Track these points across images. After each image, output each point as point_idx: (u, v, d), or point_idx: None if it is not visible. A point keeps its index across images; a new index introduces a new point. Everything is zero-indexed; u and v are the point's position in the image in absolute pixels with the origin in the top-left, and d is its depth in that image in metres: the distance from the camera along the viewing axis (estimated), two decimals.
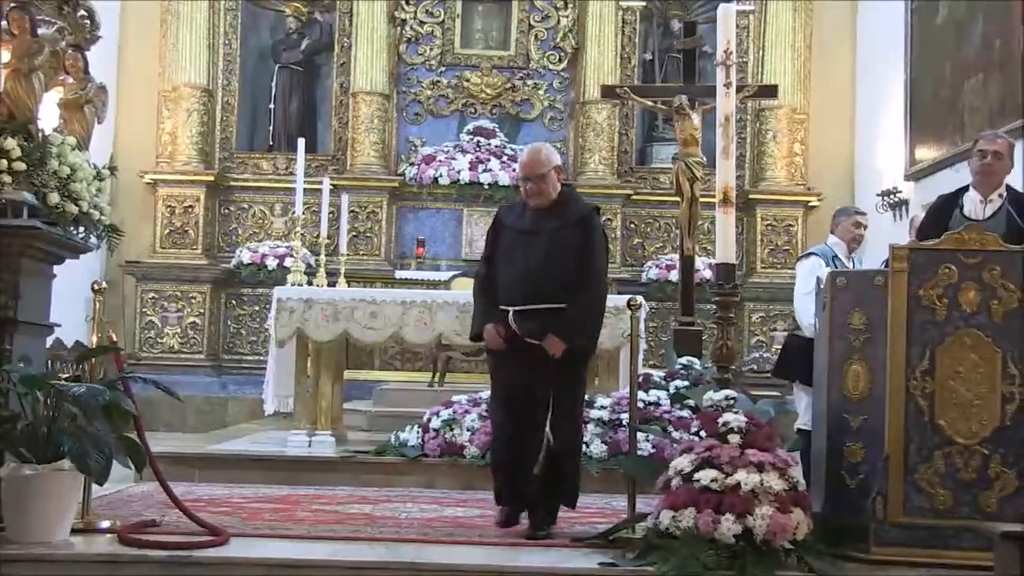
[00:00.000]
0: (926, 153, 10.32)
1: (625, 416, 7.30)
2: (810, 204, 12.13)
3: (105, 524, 5.41)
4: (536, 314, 5.37)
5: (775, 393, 7.60)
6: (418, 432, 7.80)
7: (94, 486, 5.42)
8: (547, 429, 5.31)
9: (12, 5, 5.95)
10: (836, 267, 6.61)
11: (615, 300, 8.59)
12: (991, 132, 6.26)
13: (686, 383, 7.79)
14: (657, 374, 8.12)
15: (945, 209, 5.98)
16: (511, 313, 5.41)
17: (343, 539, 5.44)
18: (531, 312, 5.38)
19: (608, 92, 10.55)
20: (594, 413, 7.70)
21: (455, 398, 8.08)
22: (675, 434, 7.06)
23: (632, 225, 12.29)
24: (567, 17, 12.58)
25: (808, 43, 12.27)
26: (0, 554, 4.82)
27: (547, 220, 5.49)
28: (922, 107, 10.50)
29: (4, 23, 6.07)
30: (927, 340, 4.96)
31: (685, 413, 7.44)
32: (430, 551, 5.16)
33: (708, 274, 10.50)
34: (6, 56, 6.00)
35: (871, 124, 11.95)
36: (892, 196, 10.97)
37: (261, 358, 10.19)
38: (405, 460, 7.66)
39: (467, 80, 12.55)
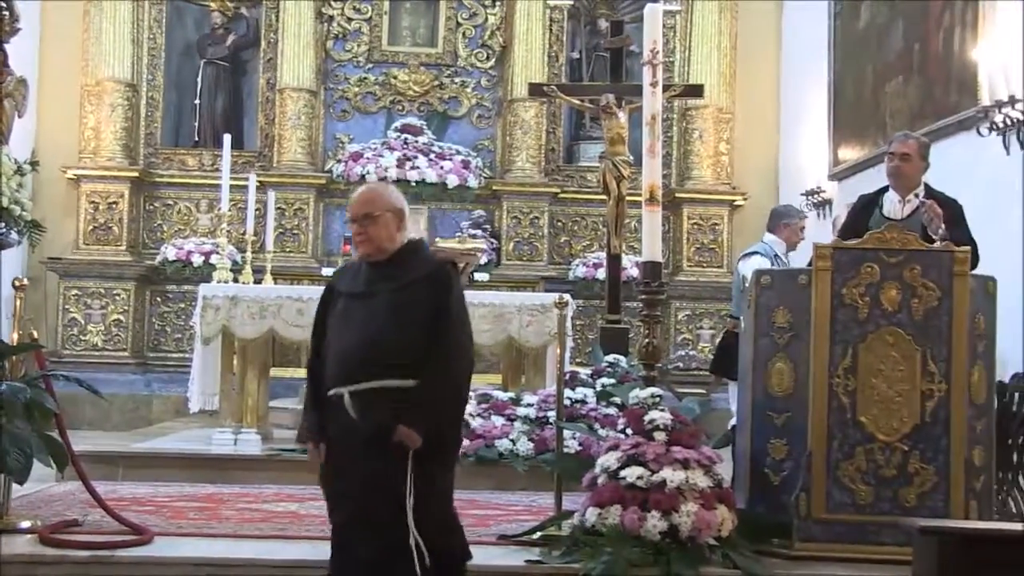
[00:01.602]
0: (849, 153, 10.50)
1: (551, 413, 7.35)
2: (736, 203, 12.27)
3: (25, 524, 5.33)
4: (377, 395, 4.12)
5: (701, 391, 7.70)
6: None
7: (14, 485, 5.34)
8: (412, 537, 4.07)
9: None
10: (779, 265, 6.71)
11: (542, 298, 8.68)
12: (903, 134, 6.38)
13: (612, 381, 7.86)
14: (584, 372, 8.18)
15: (866, 209, 6.10)
16: (345, 396, 4.14)
17: (269, 538, 5.42)
18: (370, 393, 4.12)
19: (536, 90, 10.58)
20: (520, 411, 7.75)
21: None
22: (601, 431, 7.12)
23: (559, 223, 12.34)
24: (495, 15, 12.60)
25: (733, 43, 12.41)
26: None
27: (385, 279, 4.25)
28: (845, 108, 10.68)
29: None
30: (849, 338, 5.05)
31: (611, 411, 7.50)
32: None
33: (635, 272, 10.58)
34: None
35: (795, 124, 12.13)
36: (816, 196, 11.15)
37: (186, 356, 10.08)
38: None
39: (394, 77, 12.53)
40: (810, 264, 5.21)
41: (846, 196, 9.24)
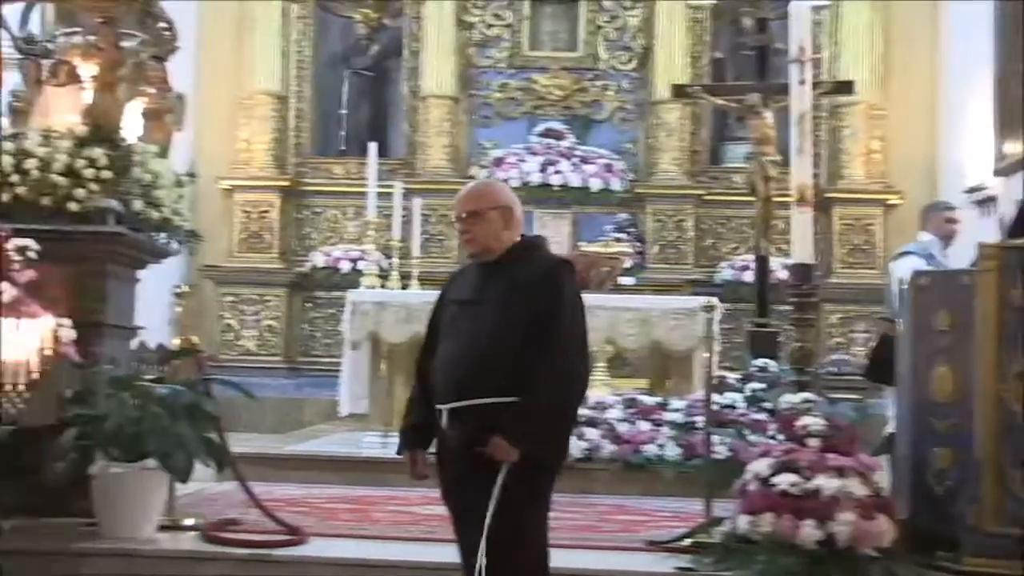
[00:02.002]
0: (1014, 148, 10.11)
1: (699, 418, 7.29)
2: (890, 203, 11.96)
3: (189, 522, 5.52)
4: (475, 413, 3.80)
5: (855, 396, 7.53)
6: None
7: (178, 485, 5.53)
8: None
9: (99, 20, 6.10)
10: (934, 265, 6.53)
11: (689, 302, 8.62)
12: None
13: (762, 385, 7.75)
14: (732, 376, 8.08)
15: None
16: (443, 415, 3.89)
17: (419, 540, 5.50)
18: (468, 412, 3.82)
19: (679, 92, 10.50)
20: (668, 415, 7.70)
21: None
22: (751, 437, 7.03)
23: (705, 226, 12.21)
24: (635, 17, 12.52)
25: (886, 37, 12.08)
26: (93, 548, 4.97)
27: (494, 283, 3.93)
28: (1010, 101, 10.27)
29: (91, 38, 6.23)
30: (1018, 342, 4.76)
31: (762, 416, 7.40)
32: None
33: (784, 275, 10.41)
34: (93, 70, 6.15)
35: (955, 119, 11.70)
36: (979, 192, 10.76)
37: (336, 360, 10.27)
38: None
39: (536, 82, 12.55)
40: (973, 264, 5.01)
41: (1012, 192, 8.93)
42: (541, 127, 12.32)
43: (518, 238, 4.04)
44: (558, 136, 12.21)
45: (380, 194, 9.85)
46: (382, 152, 11.35)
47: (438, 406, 3.89)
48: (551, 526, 5.71)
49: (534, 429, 3.77)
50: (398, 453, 4.15)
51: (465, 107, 12.55)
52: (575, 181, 11.83)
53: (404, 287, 9.42)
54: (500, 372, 3.78)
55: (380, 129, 12.63)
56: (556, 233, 11.99)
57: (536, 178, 11.82)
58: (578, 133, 12.36)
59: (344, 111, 12.74)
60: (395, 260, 9.62)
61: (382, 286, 9.18)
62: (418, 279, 9.75)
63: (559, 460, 4.00)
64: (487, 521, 3.72)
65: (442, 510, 6.30)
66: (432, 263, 11.78)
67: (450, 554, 5.12)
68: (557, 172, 11.87)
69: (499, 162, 12.07)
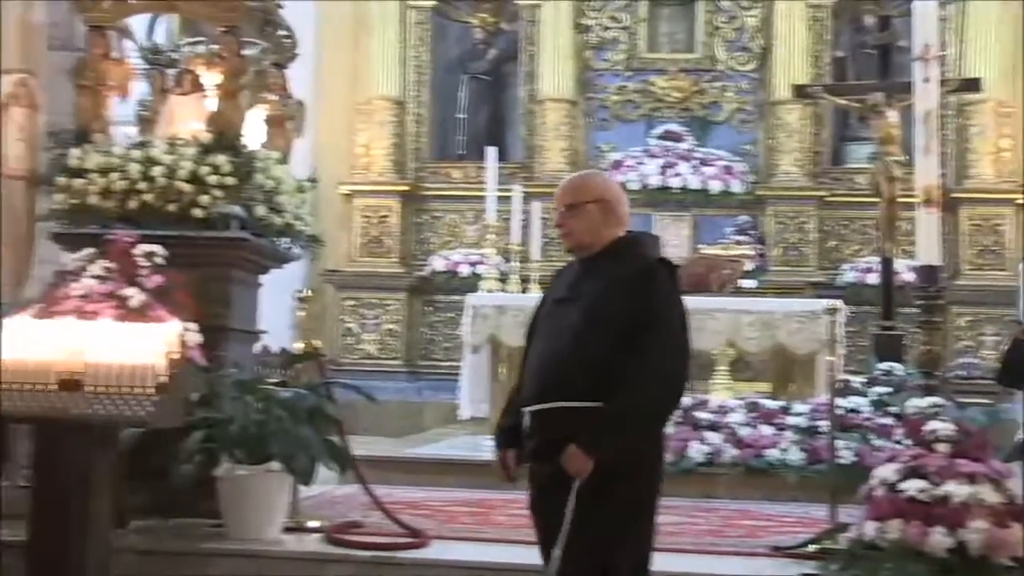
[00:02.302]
0: None
1: (823, 423, 7.16)
2: (1019, 202, 11.59)
3: (313, 523, 5.58)
4: (556, 418, 3.57)
5: (985, 401, 7.32)
6: None
7: (301, 487, 5.61)
8: None
9: (221, 30, 6.23)
10: None
11: (811, 304, 8.47)
12: None
13: (888, 389, 7.57)
14: (857, 380, 7.91)
15: None
16: (526, 417, 3.68)
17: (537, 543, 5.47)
18: (549, 415, 3.59)
19: (800, 92, 10.34)
20: (790, 420, 7.57)
21: None
22: (877, 442, 6.87)
23: (827, 227, 11.99)
24: (754, 17, 12.37)
25: (1014, 33, 11.71)
26: (219, 549, 5.06)
27: (588, 280, 3.70)
28: None
29: (214, 47, 6.36)
30: None
31: (887, 421, 7.23)
32: None
33: (909, 277, 10.17)
34: (216, 78, 6.28)
35: None
36: None
37: (456, 364, 10.34)
38: None
39: (654, 84, 12.48)
40: None
41: None
42: (659, 129, 12.25)
43: (621, 234, 3.78)
44: (677, 138, 12.13)
45: (499, 198, 9.88)
46: (501, 156, 11.39)
47: (522, 409, 3.70)
48: (673, 530, 5.66)
49: (614, 436, 3.48)
50: (494, 453, 3.91)
51: (583, 110, 12.53)
52: (694, 183, 11.73)
53: (523, 290, 9.44)
54: (584, 374, 3.54)
55: (498, 133, 12.68)
56: (675, 236, 11.92)
57: (655, 181, 11.77)
58: (697, 135, 12.26)
59: (462, 115, 12.82)
60: (514, 263, 9.64)
61: (501, 290, 9.20)
62: (537, 282, 9.75)
63: (649, 471, 3.66)
64: (555, 552, 3.51)
65: None
66: (551, 266, 11.72)
67: None
68: (676, 174, 11.79)
69: (617, 165, 12.03)
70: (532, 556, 5.19)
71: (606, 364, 3.51)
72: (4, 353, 3.99)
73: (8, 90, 6.46)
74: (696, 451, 7.44)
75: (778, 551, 5.19)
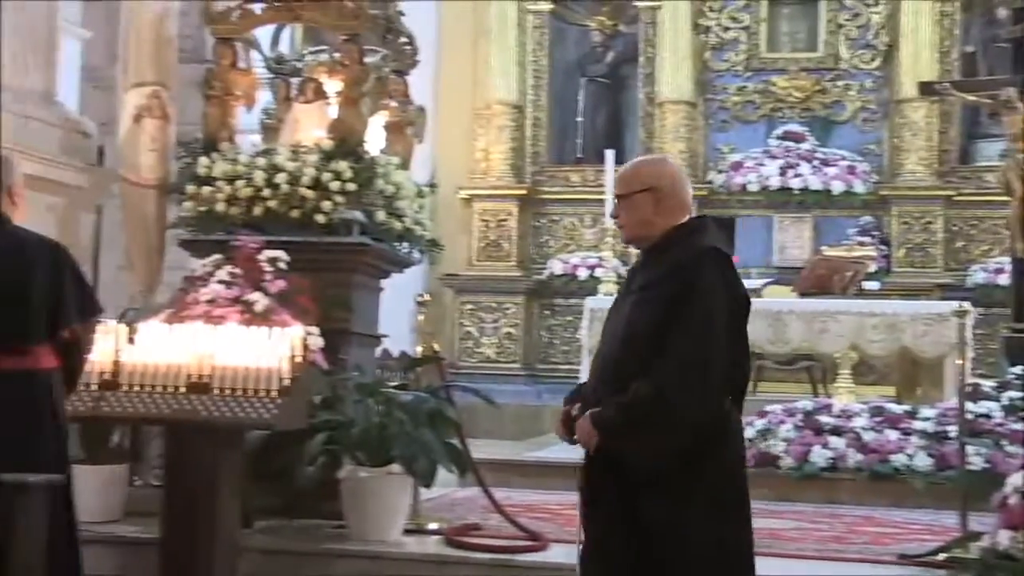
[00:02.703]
0: None
1: (952, 428, 6.98)
2: None
3: (433, 526, 5.63)
4: None
5: None
6: None
7: (422, 489, 5.66)
8: None
9: (343, 38, 6.33)
10: None
11: (939, 306, 8.26)
12: None
13: (1021, 394, 7.35)
14: (987, 384, 7.70)
15: None
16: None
17: None
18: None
19: (926, 89, 10.10)
20: (917, 424, 7.41)
21: (769, 408, 7.94)
22: (1009, 448, 6.68)
23: (954, 227, 11.68)
24: (879, 13, 12.12)
25: None
26: (342, 550, 5.14)
27: (643, 272, 3.51)
28: None
29: (336, 55, 6.47)
30: None
31: (1020, 426, 7.02)
32: None
33: None
34: (338, 85, 6.39)
35: None
36: None
37: (574, 367, 10.32)
38: None
39: (774, 84, 12.31)
40: None
41: None
42: (780, 130, 12.09)
43: (681, 221, 3.49)
44: (798, 139, 11.96)
45: None
46: (619, 159, 11.32)
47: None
48: (795, 536, 5.58)
49: (622, 419, 3.27)
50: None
51: (702, 111, 12.42)
52: (816, 184, 11.56)
53: None
54: (619, 377, 3.32)
55: (616, 136, 12.64)
56: (797, 238, 11.75)
57: (775, 182, 11.62)
58: (818, 135, 12.06)
59: (580, 119, 12.81)
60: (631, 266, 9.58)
61: None
62: None
63: (641, 463, 3.33)
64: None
65: None
66: None
67: None
68: (797, 175, 11.63)
69: (737, 166, 11.91)
70: None
71: (636, 367, 3.29)
72: (137, 356, 4.10)
73: (141, 102, 6.65)
74: (819, 456, 7.33)
75: (906, 559, 5.08)
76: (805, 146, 11.86)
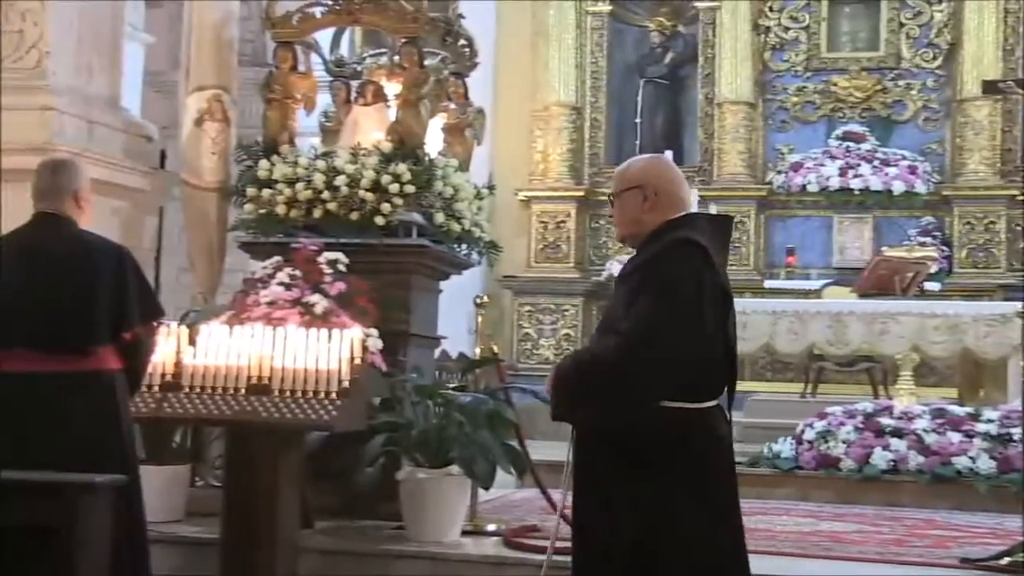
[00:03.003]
0: None
1: (1016, 430, 6.89)
2: None
3: (491, 527, 5.64)
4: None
5: None
6: (792, 444, 7.66)
7: (480, 490, 5.67)
8: None
9: (403, 40, 6.37)
10: None
11: (1002, 307, 8.15)
12: None
13: None
14: None
15: None
16: None
17: (770, 554, 5.38)
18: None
19: (990, 87, 9.98)
20: (980, 427, 7.31)
21: (829, 409, 7.88)
22: None
23: (1017, 227, 11.49)
24: (941, 12, 11.98)
25: None
26: (401, 551, 5.17)
27: (627, 269, 3.55)
28: None
29: (396, 58, 6.51)
30: None
31: None
32: (807, 565, 5.06)
33: None
34: (397, 88, 6.42)
35: None
36: None
37: None
38: (778, 472, 7.54)
39: (835, 84, 12.21)
40: None
41: None
42: (840, 130, 12.01)
43: (670, 218, 3.45)
44: (858, 139, 11.86)
45: None
46: (677, 160, 11.31)
47: None
48: (856, 538, 5.53)
49: (559, 382, 3.38)
50: None
51: (761, 112, 12.35)
52: (876, 184, 11.46)
53: None
54: None
55: (675, 137, 12.61)
56: (857, 238, 11.66)
57: (835, 182, 11.54)
58: (879, 135, 11.96)
59: (639, 120, 12.77)
60: None
61: None
62: None
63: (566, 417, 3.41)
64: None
65: (799, 524, 6.24)
66: (729, 270, 11.58)
67: (819, 568, 5.04)
68: (857, 176, 11.54)
69: (797, 167, 11.84)
70: (763, 567, 5.14)
71: None
72: (198, 358, 4.16)
73: (203, 106, 6.74)
74: (880, 458, 7.27)
75: (968, 563, 5.02)
76: (866, 146, 11.76)
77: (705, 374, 3.30)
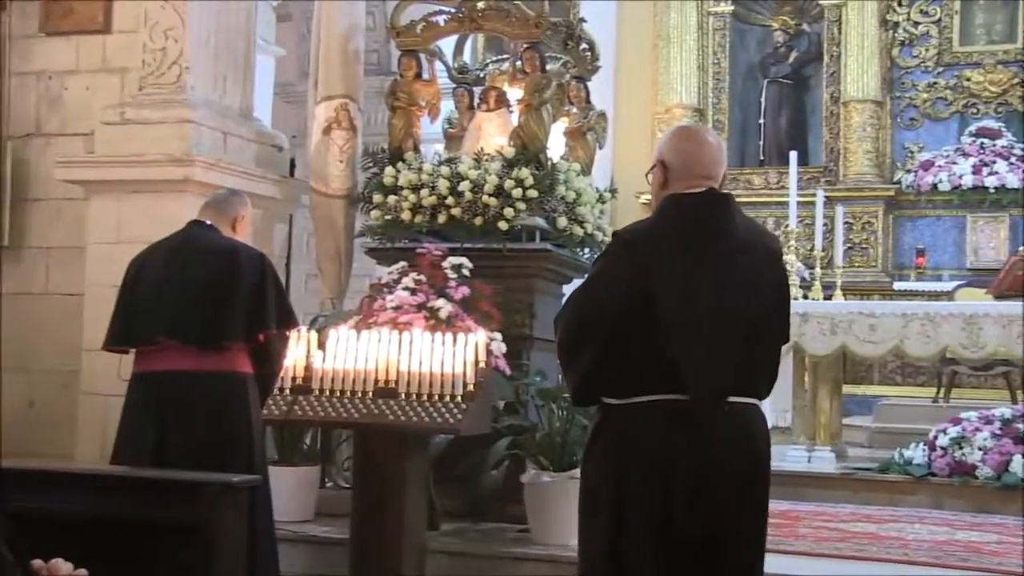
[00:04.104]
0: None
1: None
2: None
3: None
4: None
5: None
6: (924, 450, 7.47)
7: None
8: None
9: (525, 46, 6.40)
10: None
11: None
12: None
13: None
14: None
15: None
16: None
17: (848, 558, 5.33)
18: None
19: None
20: None
21: (964, 415, 7.66)
22: None
23: None
24: None
25: None
26: (526, 553, 5.19)
27: None
28: None
29: (518, 63, 6.54)
30: None
31: None
32: None
33: None
34: (519, 93, 6.46)
35: None
36: None
37: None
38: (910, 479, 7.37)
39: (968, 79, 11.91)
40: None
41: None
42: (973, 126, 11.70)
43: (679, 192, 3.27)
44: (993, 135, 11.54)
45: (800, 203, 9.67)
46: (802, 160, 11.15)
47: None
48: (995, 549, 5.38)
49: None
50: None
51: (889, 110, 12.10)
52: (1014, 182, 11.16)
53: (827, 298, 9.18)
54: None
55: (799, 137, 12.44)
56: (992, 238, 11.35)
57: (969, 180, 11.25)
58: (1016, 131, 11.60)
59: (762, 121, 12.63)
60: (817, 270, 9.40)
61: (804, 297, 8.98)
62: (841, 289, 9.48)
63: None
64: None
65: (872, 528, 6.12)
66: (856, 272, 11.44)
67: (878, 571, 4.95)
68: (993, 173, 11.22)
69: (927, 165, 11.58)
70: (837, 569, 5.07)
71: None
72: (327, 362, 4.23)
73: (330, 115, 6.86)
74: (1019, 466, 7.04)
75: None
76: (1001, 143, 11.44)
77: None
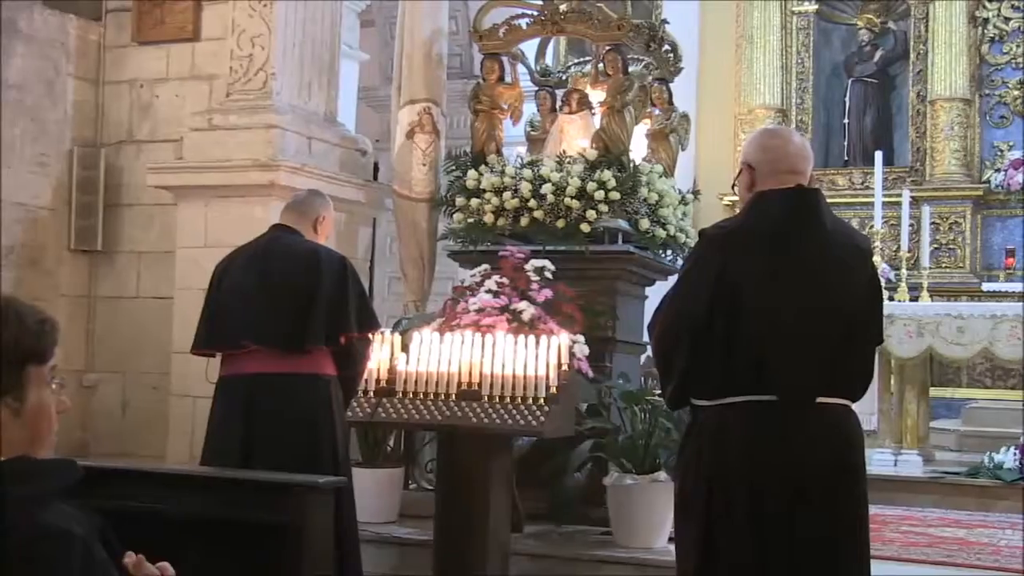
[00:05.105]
0: None
1: None
2: None
3: None
4: None
5: None
6: (1015, 454, 7.34)
7: None
8: None
9: (608, 48, 6.41)
10: None
11: None
12: None
13: None
14: None
15: None
16: None
17: (937, 563, 5.26)
18: None
19: None
20: None
21: None
22: None
23: None
24: None
25: None
26: (609, 556, 5.19)
27: None
28: None
29: (600, 65, 6.55)
30: None
31: None
32: None
33: None
34: (601, 95, 6.46)
35: None
36: None
37: None
38: (1001, 484, 7.24)
39: None
40: None
41: None
42: None
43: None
44: None
45: (886, 203, 9.54)
46: (887, 160, 11.00)
47: None
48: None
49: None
50: None
51: (977, 108, 11.87)
52: None
53: (914, 299, 9.06)
54: None
55: (885, 137, 12.26)
56: None
57: None
58: None
59: (846, 120, 12.47)
60: (903, 271, 9.28)
61: (890, 298, 8.86)
62: (928, 291, 9.34)
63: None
64: None
65: (961, 533, 6.02)
66: (943, 273, 11.24)
67: None
68: None
69: (1017, 164, 11.34)
70: (924, 573, 4.99)
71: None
72: (410, 365, 4.27)
73: (414, 119, 6.93)
74: None
75: None
76: None
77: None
